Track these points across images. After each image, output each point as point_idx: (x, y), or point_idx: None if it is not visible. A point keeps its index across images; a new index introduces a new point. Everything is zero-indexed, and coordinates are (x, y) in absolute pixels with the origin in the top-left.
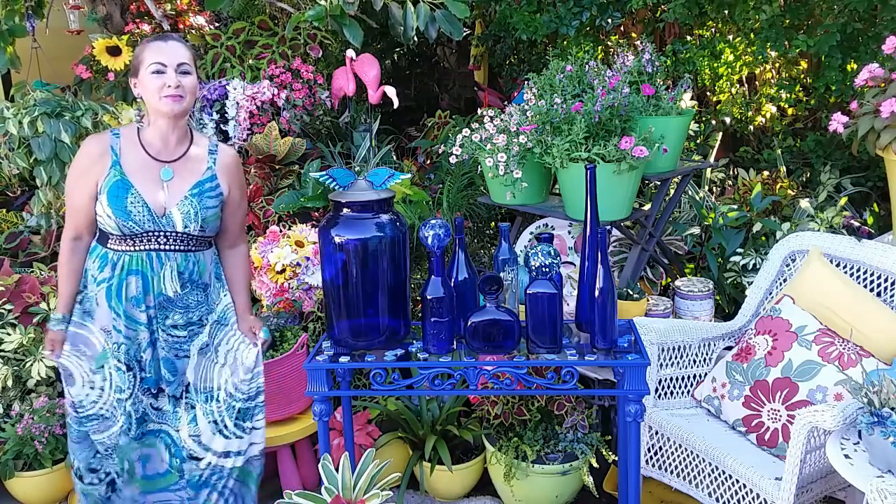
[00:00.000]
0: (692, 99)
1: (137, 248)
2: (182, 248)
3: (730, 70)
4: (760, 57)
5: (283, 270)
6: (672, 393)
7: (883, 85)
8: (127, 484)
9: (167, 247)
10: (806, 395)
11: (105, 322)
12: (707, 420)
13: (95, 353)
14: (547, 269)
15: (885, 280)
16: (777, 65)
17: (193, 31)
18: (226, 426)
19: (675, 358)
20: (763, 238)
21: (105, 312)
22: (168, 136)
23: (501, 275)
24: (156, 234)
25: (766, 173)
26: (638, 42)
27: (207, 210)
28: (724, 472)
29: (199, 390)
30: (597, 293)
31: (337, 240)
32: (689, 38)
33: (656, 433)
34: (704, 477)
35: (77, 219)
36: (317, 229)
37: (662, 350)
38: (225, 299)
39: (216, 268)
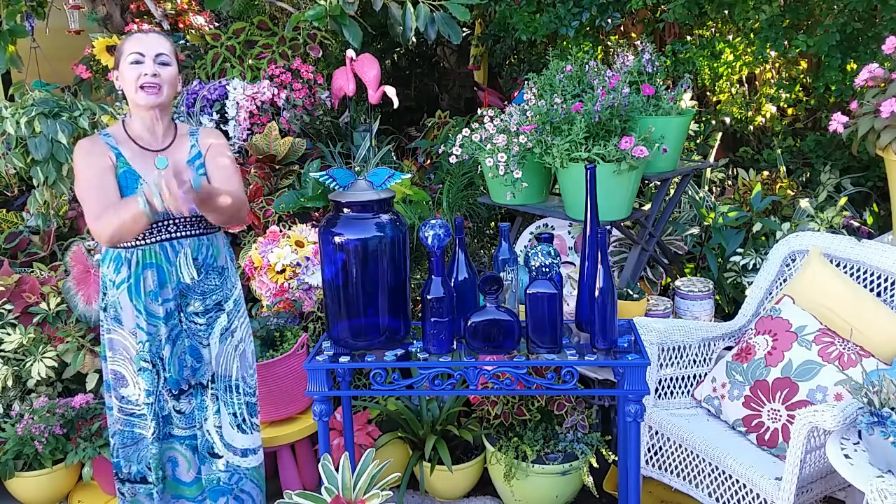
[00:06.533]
0: (692, 99)
1: (149, 240)
2: (193, 232)
3: (730, 70)
4: (760, 57)
5: (283, 270)
6: (672, 393)
7: (883, 85)
8: (161, 494)
9: (178, 234)
10: (806, 395)
11: (131, 324)
12: (707, 420)
13: (132, 355)
14: (547, 269)
15: (885, 280)
16: (777, 65)
17: (193, 31)
18: (244, 420)
19: (675, 358)
20: (763, 238)
21: (130, 313)
22: (154, 126)
23: (501, 275)
24: (166, 223)
25: (766, 173)
26: (638, 42)
27: None
28: (724, 472)
29: (220, 378)
30: (597, 293)
31: (337, 240)
32: (689, 38)
33: (656, 433)
34: (704, 477)
35: (109, 196)
36: (317, 229)
37: (662, 350)
38: (237, 285)
39: (230, 251)
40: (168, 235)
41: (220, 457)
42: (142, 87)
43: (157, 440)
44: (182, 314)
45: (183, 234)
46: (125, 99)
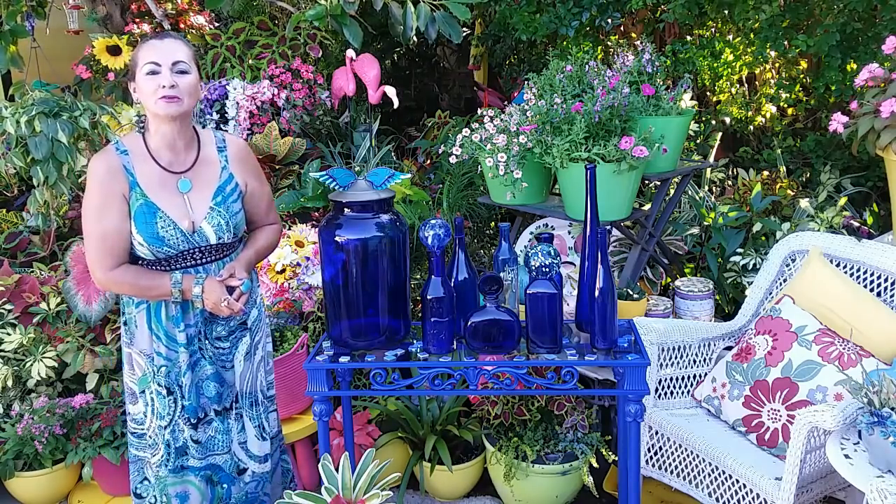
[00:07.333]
0: (692, 99)
1: (173, 267)
2: (216, 257)
3: (730, 70)
4: (760, 57)
5: (283, 270)
6: (672, 393)
7: (883, 85)
8: None
9: (203, 261)
10: (806, 395)
11: (144, 345)
12: (707, 420)
13: (137, 376)
14: (547, 269)
15: (885, 280)
16: (777, 65)
17: (193, 31)
18: (263, 428)
19: (675, 358)
20: (763, 238)
21: (144, 335)
22: (175, 142)
23: (501, 275)
24: (191, 251)
25: (766, 173)
26: (638, 42)
27: (236, 216)
28: (724, 472)
29: (244, 395)
30: (597, 293)
31: (337, 240)
32: (689, 38)
33: (656, 433)
34: (704, 477)
35: (114, 245)
36: (317, 229)
37: (662, 350)
38: (258, 292)
39: None
40: (192, 263)
41: (246, 469)
42: (161, 98)
43: (166, 467)
44: (206, 340)
45: (208, 259)
46: (139, 113)
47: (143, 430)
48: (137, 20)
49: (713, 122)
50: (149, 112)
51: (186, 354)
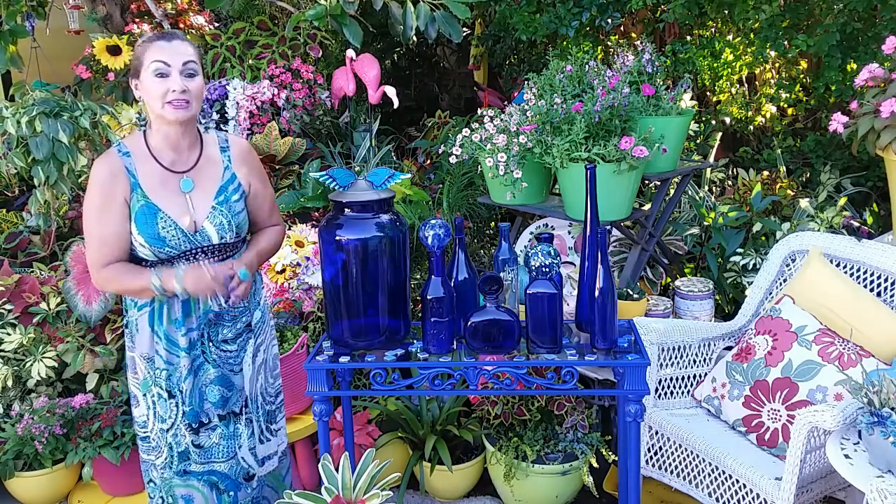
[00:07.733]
0: (692, 99)
1: None
2: (219, 257)
3: (730, 70)
4: (760, 57)
5: (283, 270)
6: (672, 393)
7: (883, 85)
8: None
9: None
10: (806, 395)
11: (145, 349)
12: (707, 420)
13: (139, 380)
14: (547, 269)
15: (885, 280)
16: (777, 65)
17: (193, 31)
18: (262, 431)
19: (675, 358)
20: (763, 238)
21: (146, 338)
22: (178, 142)
23: (501, 275)
24: (193, 251)
25: (766, 173)
26: (638, 42)
27: (238, 215)
28: (724, 472)
29: (253, 400)
30: (597, 293)
31: (337, 240)
32: (689, 38)
33: (656, 433)
34: (704, 477)
35: (113, 248)
36: (317, 229)
37: (662, 350)
38: (262, 293)
39: None
40: (195, 263)
41: (255, 475)
42: (169, 103)
43: (171, 468)
44: (211, 343)
45: (210, 260)
46: (140, 112)
47: (145, 433)
48: (137, 20)
49: (713, 122)
50: (153, 112)
51: (188, 359)
